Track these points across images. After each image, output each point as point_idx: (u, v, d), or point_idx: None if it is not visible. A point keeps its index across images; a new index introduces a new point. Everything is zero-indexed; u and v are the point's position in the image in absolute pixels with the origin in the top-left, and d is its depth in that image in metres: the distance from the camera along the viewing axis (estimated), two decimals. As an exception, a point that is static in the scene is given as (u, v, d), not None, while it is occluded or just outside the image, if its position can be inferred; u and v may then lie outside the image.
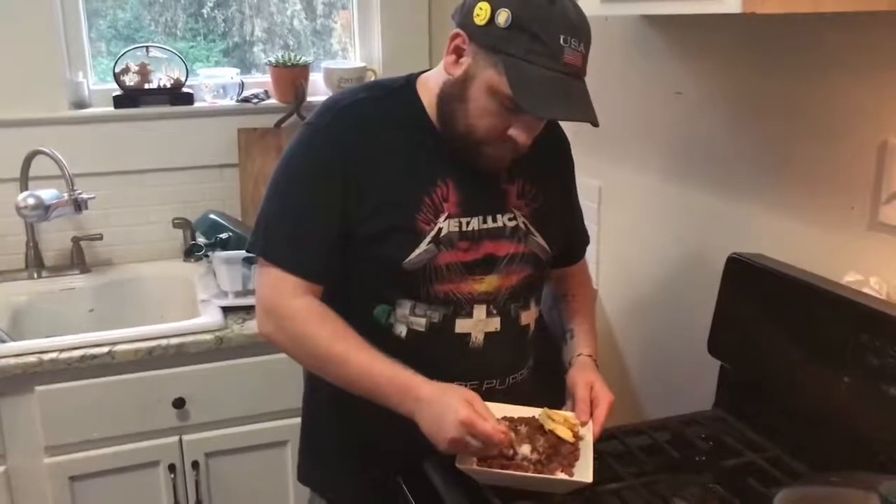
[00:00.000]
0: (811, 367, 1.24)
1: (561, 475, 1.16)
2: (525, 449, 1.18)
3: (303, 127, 1.31)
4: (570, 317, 1.46)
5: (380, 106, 1.30)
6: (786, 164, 1.41)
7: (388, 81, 1.36)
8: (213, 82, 2.37)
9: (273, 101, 2.40)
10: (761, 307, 1.36)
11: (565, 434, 1.22)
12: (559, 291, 1.51)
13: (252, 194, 2.31)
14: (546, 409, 1.25)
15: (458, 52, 1.22)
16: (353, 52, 2.57)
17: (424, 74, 1.33)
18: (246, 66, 2.47)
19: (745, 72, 1.48)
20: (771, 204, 1.44)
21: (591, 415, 1.26)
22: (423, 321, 1.29)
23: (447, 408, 1.13)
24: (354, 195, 1.25)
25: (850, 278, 1.26)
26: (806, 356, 1.25)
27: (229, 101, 2.37)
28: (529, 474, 1.15)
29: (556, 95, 1.15)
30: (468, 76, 1.20)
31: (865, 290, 1.23)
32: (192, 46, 2.45)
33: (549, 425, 1.22)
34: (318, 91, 2.47)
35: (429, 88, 1.29)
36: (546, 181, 1.36)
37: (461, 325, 1.30)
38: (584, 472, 1.15)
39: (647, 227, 1.52)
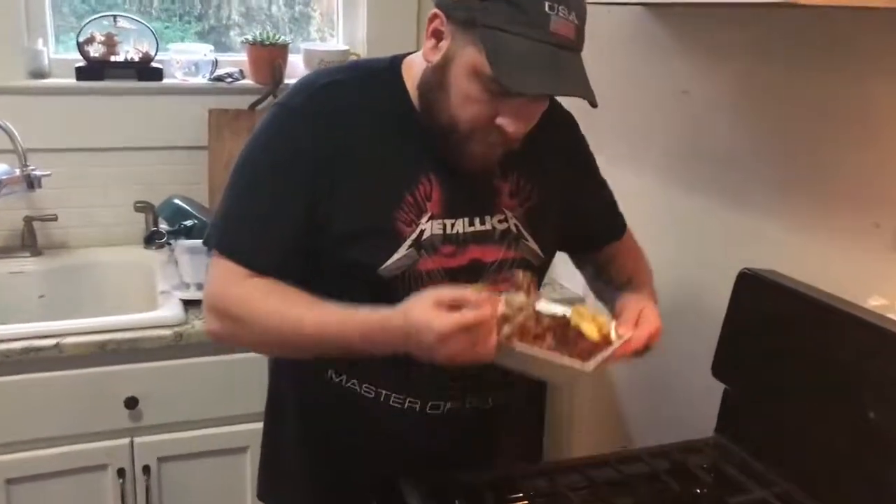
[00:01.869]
0: (828, 395, 1.14)
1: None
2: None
3: (272, 108, 1.19)
4: (625, 272, 1.32)
5: (359, 89, 1.18)
6: (803, 173, 1.31)
7: (371, 62, 1.24)
8: (185, 58, 2.22)
9: (248, 81, 2.27)
10: (774, 328, 1.26)
11: (590, 331, 1.08)
12: (605, 268, 1.37)
13: (221, 179, 2.09)
14: (579, 305, 1.13)
15: (437, 36, 1.09)
16: (332, 38, 2.44)
17: (410, 56, 1.21)
18: (222, 49, 2.35)
19: (758, 70, 1.39)
20: (786, 216, 1.34)
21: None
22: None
23: (420, 331, 0.99)
24: (325, 188, 1.13)
25: (874, 302, 1.15)
26: (822, 384, 1.15)
27: (201, 80, 2.23)
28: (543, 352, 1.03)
29: (542, 68, 1.02)
30: (447, 59, 1.08)
31: (891, 315, 1.12)
32: (167, 27, 2.32)
33: (575, 320, 1.09)
34: (297, 73, 2.32)
35: (413, 73, 1.17)
36: (546, 175, 1.22)
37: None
38: (587, 364, 1.03)
39: (649, 236, 1.41)
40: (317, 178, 1.13)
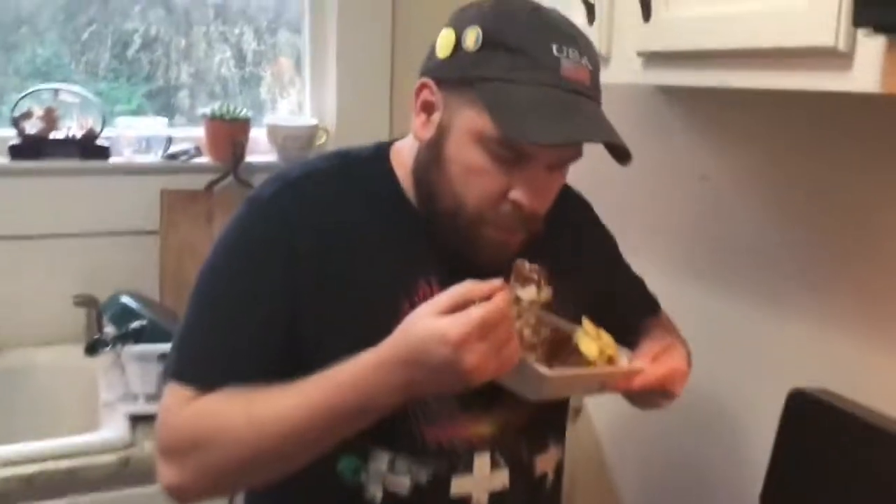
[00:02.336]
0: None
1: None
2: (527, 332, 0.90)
3: (242, 204, 1.01)
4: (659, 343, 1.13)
5: (342, 179, 1.01)
6: (847, 270, 1.16)
7: (352, 150, 1.07)
8: (135, 134, 2.01)
9: (205, 158, 2.08)
10: (830, 453, 1.09)
11: (588, 348, 0.92)
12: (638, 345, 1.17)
13: (175, 269, 1.96)
14: (590, 322, 0.97)
15: (428, 108, 0.94)
16: (285, 104, 2.29)
17: (398, 143, 1.04)
18: (170, 111, 2.21)
19: (786, 155, 1.24)
20: (829, 321, 1.18)
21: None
22: (405, 481, 0.96)
23: (430, 349, 0.81)
24: (306, 298, 0.94)
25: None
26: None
27: (153, 158, 2.02)
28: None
29: (558, 115, 0.87)
30: (443, 131, 0.92)
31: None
32: (113, 88, 2.17)
33: (577, 337, 0.94)
34: (259, 149, 2.16)
35: (403, 161, 1.00)
36: (566, 271, 1.01)
37: (458, 485, 0.97)
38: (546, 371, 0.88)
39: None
40: (295, 286, 0.94)
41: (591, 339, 0.95)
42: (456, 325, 0.79)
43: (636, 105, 1.51)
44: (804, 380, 1.15)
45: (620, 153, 0.91)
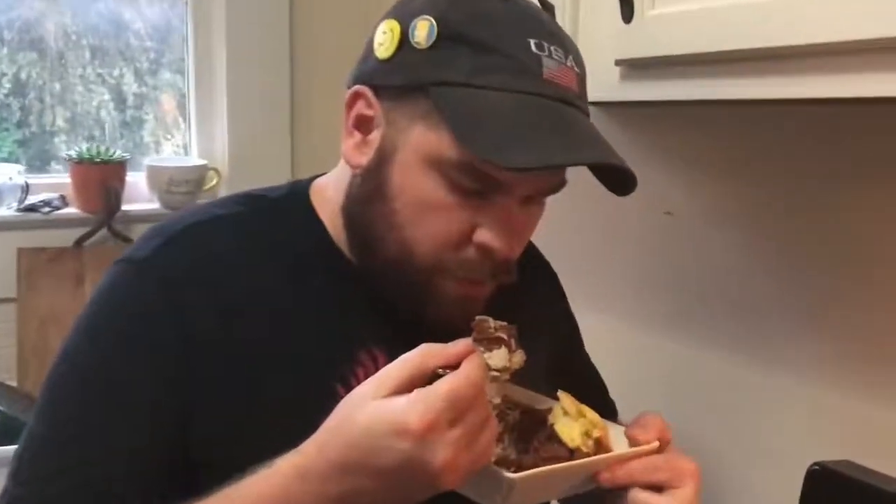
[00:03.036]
0: None
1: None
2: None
3: (111, 268, 0.77)
4: None
5: (249, 229, 0.78)
6: (845, 320, 1.00)
7: (259, 191, 0.84)
8: (-21, 184, 1.72)
9: (72, 209, 1.82)
10: None
11: (567, 432, 0.72)
12: None
13: (35, 344, 1.67)
14: (569, 396, 0.76)
15: (364, 125, 0.74)
16: (170, 146, 2.06)
17: (319, 180, 0.83)
18: (44, 160, 1.99)
19: (762, 184, 1.08)
20: (828, 373, 1.02)
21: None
22: None
23: (380, 445, 0.60)
24: (202, 394, 0.71)
25: None
26: None
27: (6, 211, 1.75)
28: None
29: (541, 129, 0.67)
30: (385, 155, 0.72)
31: None
32: None
33: (554, 417, 0.74)
34: (138, 198, 1.89)
35: (329, 199, 0.79)
36: (529, 335, 0.80)
37: None
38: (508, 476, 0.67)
39: (644, 404, 1.04)
40: (186, 377, 0.71)
41: (570, 420, 0.74)
42: (416, 407, 0.59)
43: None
44: (809, 446, 0.98)
45: (618, 180, 0.72)
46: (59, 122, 2.02)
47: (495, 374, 0.67)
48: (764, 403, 1.11)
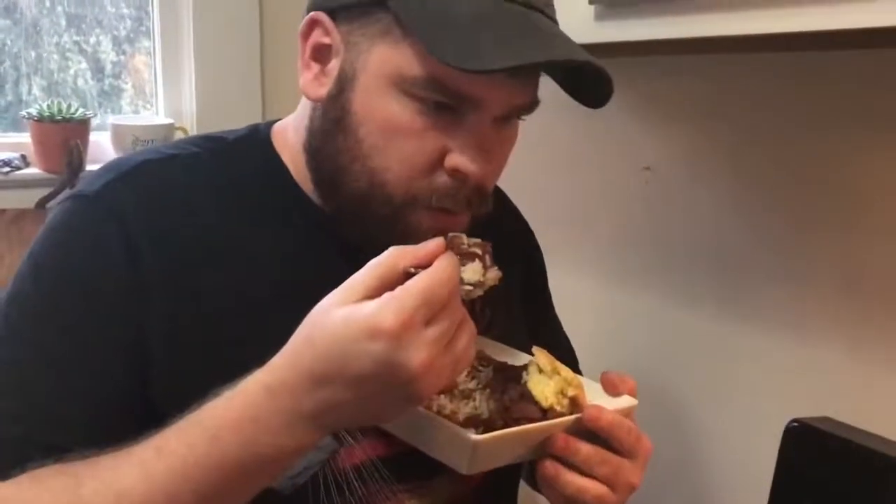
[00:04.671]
0: None
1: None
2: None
3: (60, 205, 0.73)
4: None
5: (205, 169, 0.75)
6: (826, 274, 0.97)
7: (216, 134, 0.80)
8: (-64, 143, 1.64)
9: (34, 169, 1.74)
10: (834, 489, 0.91)
11: (541, 391, 0.69)
12: None
13: None
14: (544, 352, 0.73)
15: (321, 54, 0.70)
16: (153, 106, 1.96)
17: (280, 122, 0.79)
18: (22, 128, 1.88)
19: (743, 133, 1.04)
20: (813, 335, 0.99)
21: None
22: None
23: (351, 349, 0.56)
24: (157, 338, 0.68)
25: None
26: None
27: None
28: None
29: (509, 32, 0.64)
30: (346, 81, 0.68)
31: None
32: None
33: (528, 374, 0.71)
34: (102, 158, 1.80)
35: (289, 139, 0.76)
36: (509, 263, 0.74)
37: None
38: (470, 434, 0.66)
39: (632, 365, 1.01)
40: (139, 319, 0.68)
41: (545, 378, 0.70)
42: (389, 306, 0.55)
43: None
44: (788, 402, 0.97)
45: (593, 92, 0.68)
46: (36, 91, 1.95)
47: (468, 287, 0.63)
48: (743, 359, 1.08)
